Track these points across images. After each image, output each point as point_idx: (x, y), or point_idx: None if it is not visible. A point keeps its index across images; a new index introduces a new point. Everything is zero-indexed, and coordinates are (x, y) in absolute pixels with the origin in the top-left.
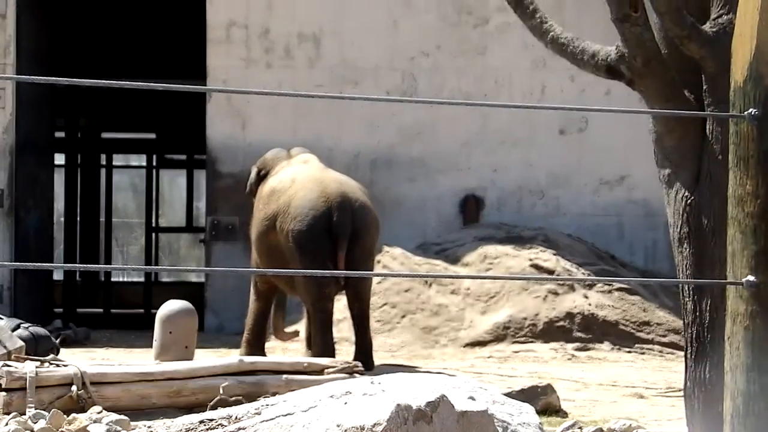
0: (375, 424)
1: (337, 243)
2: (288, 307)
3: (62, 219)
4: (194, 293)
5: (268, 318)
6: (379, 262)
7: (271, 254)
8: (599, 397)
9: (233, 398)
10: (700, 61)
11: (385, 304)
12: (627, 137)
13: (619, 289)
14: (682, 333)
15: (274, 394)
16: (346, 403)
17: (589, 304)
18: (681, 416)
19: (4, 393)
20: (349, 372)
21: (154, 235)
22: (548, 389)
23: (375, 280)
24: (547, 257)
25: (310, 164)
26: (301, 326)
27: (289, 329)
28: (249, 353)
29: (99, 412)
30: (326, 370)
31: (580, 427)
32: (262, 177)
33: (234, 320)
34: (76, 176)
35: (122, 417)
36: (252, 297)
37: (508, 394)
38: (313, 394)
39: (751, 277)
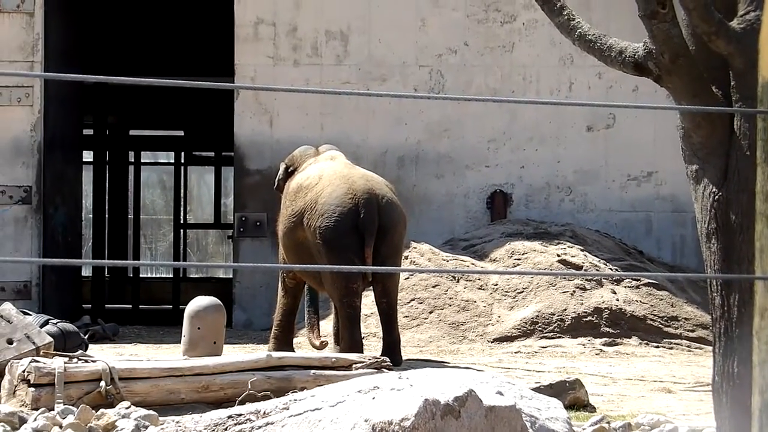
0: (403, 419)
1: (364, 239)
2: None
3: (90, 216)
4: (222, 289)
5: (296, 314)
6: (406, 257)
7: (298, 250)
8: (627, 392)
9: (261, 393)
10: (727, 57)
11: (412, 300)
12: (654, 133)
13: (647, 285)
14: (710, 328)
15: (302, 389)
16: (374, 398)
17: (617, 300)
18: (709, 411)
19: (32, 388)
20: (377, 367)
21: (182, 231)
22: (576, 384)
23: (403, 275)
24: (574, 253)
25: (337, 161)
26: (330, 323)
27: (320, 340)
28: (277, 349)
29: (127, 408)
30: (354, 366)
31: (608, 422)
32: (290, 174)
33: (262, 316)
34: (105, 173)
35: (151, 412)
36: (280, 293)
37: (536, 389)
38: (341, 389)
39: None
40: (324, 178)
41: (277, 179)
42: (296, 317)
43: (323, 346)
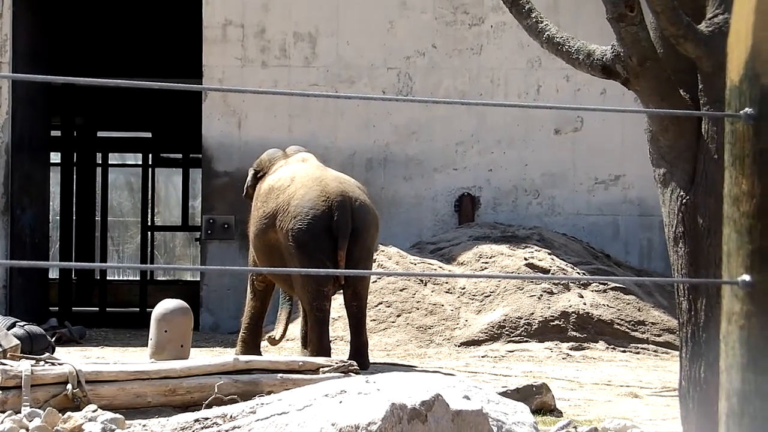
0: (370, 423)
1: (338, 242)
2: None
3: (58, 217)
4: (190, 292)
5: (263, 317)
6: (374, 261)
7: (269, 252)
8: (594, 397)
9: (228, 397)
10: (695, 60)
11: (380, 303)
12: (622, 137)
13: (614, 289)
14: (677, 332)
15: (269, 393)
16: (341, 402)
17: (584, 304)
18: (676, 416)
19: None
20: (345, 371)
21: (149, 233)
22: (543, 388)
23: (371, 279)
24: (542, 256)
25: (308, 163)
26: (298, 326)
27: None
28: (244, 352)
29: (94, 411)
30: (321, 369)
31: (575, 427)
32: (258, 178)
33: (229, 319)
34: (72, 175)
35: (117, 416)
36: (248, 296)
37: (503, 394)
38: (309, 393)
39: (746, 277)
40: (296, 180)
41: (246, 186)
42: (264, 321)
43: (272, 342)
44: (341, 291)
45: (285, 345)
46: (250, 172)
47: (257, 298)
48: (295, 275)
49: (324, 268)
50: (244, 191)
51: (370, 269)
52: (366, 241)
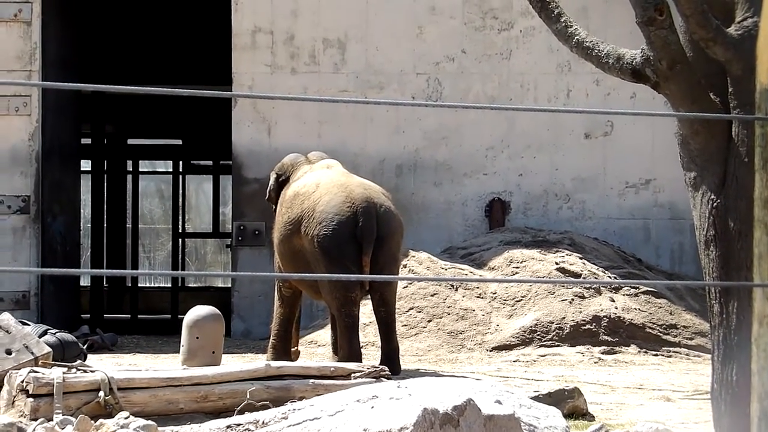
0: (402, 428)
1: (363, 248)
2: (314, 312)
3: (89, 225)
4: (221, 298)
5: (293, 322)
6: (405, 266)
7: (294, 258)
8: (626, 401)
9: (260, 403)
10: (725, 63)
11: (411, 309)
12: (652, 140)
13: (646, 293)
14: (709, 336)
15: (301, 399)
16: (372, 407)
17: (616, 308)
18: (708, 419)
19: (31, 399)
20: (376, 376)
21: (180, 240)
22: (575, 393)
23: (401, 284)
24: (573, 261)
25: (333, 169)
26: (327, 332)
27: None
28: (275, 358)
29: (126, 418)
30: (353, 375)
31: (608, 431)
32: (281, 182)
33: (260, 325)
34: (103, 182)
35: (149, 422)
36: (276, 302)
37: (535, 398)
38: (340, 398)
39: None
40: (321, 186)
41: (268, 190)
42: (294, 326)
43: (295, 356)
44: (370, 297)
45: (317, 351)
46: (272, 176)
47: (285, 305)
48: (322, 281)
49: (350, 273)
50: (267, 194)
51: (397, 275)
52: (391, 247)
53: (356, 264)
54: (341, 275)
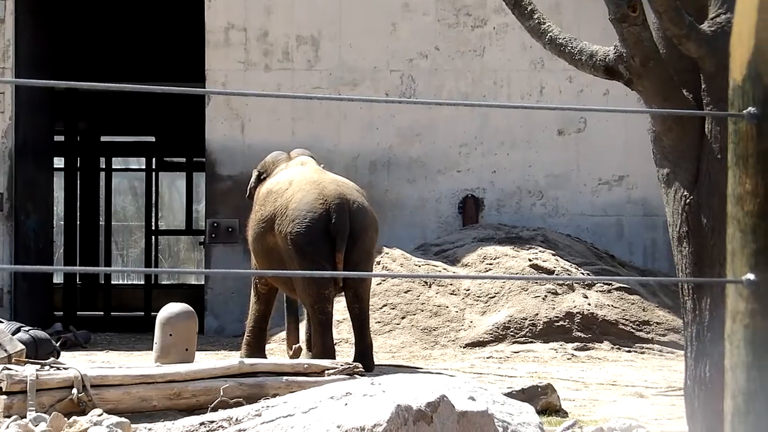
0: (375, 424)
1: (336, 244)
2: (283, 311)
3: (62, 222)
4: (194, 296)
5: (268, 320)
6: (378, 263)
7: (268, 256)
8: (599, 397)
9: (234, 400)
10: (698, 60)
11: (385, 305)
12: (625, 137)
13: (619, 289)
14: (682, 332)
15: (274, 396)
16: (346, 404)
17: (589, 304)
18: (681, 415)
19: (4, 396)
20: (350, 373)
21: (153, 237)
22: (548, 389)
23: (375, 281)
24: (546, 257)
25: (307, 166)
26: (302, 329)
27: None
28: (249, 355)
29: (99, 415)
30: (326, 372)
31: (581, 427)
32: (261, 180)
33: (234, 322)
34: (76, 180)
35: (123, 419)
36: (252, 299)
37: (509, 395)
38: (314, 395)
39: (750, 276)
40: (294, 183)
41: (249, 186)
42: (269, 323)
43: (296, 353)
44: (343, 293)
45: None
46: (254, 174)
47: (261, 301)
48: (296, 278)
49: (323, 270)
50: (248, 191)
51: (371, 271)
52: (365, 244)
53: (330, 261)
54: (315, 272)
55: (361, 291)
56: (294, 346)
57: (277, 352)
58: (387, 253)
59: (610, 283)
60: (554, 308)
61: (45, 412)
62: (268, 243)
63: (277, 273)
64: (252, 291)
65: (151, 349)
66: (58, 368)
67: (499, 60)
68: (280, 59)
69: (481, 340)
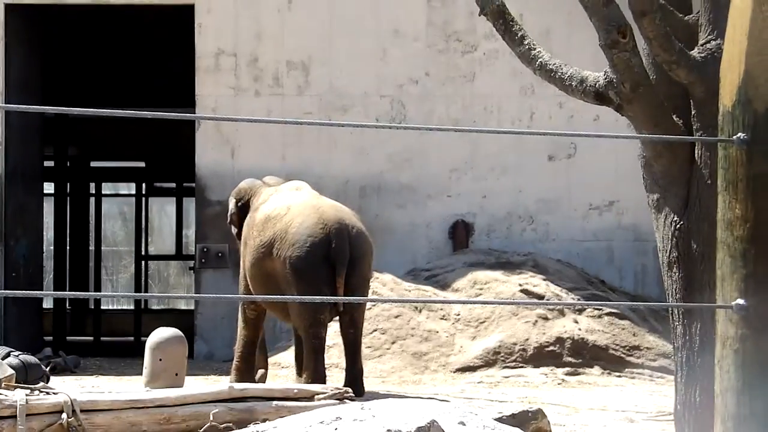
0: None
1: (336, 269)
2: (277, 334)
3: (51, 247)
4: (184, 321)
5: (257, 344)
6: (369, 288)
7: (265, 281)
8: (590, 422)
9: (223, 425)
10: (688, 86)
11: (375, 330)
12: (616, 163)
13: (609, 314)
14: (672, 357)
15: (264, 421)
16: (336, 429)
17: (579, 329)
18: None
19: None
20: (340, 398)
21: (143, 263)
22: (539, 414)
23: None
24: (536, 282)
25: (303, 191)
26: (291, 353)
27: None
28: (239, 380)
29: None
30: (317, 397)
31: None
32: (242, 207)
33: (224, 347)
34: (66, 205)
35: None
36: (240, 324)
37: (499, 419)
38: (304, 420)
39: (740, 301)
40: (293, 208)
41: (229, 214)
42: (257, 348)
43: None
44: (337, 318)
45: (280, 372)
46: (231, 200)
47: (249, 327)
48: (292, 303)
49: (322, 295)
50: (228, 218)
51: (367, 296)
52: (363, 269)
53: (329, 286)
54: (305, 297)
55: (357, 316)
56: (261, 371)
57: (266, 377)
58: (377, 278)
59: (601, 309)
60: (545, 333)
61: None
62: (266, 268)
63: (267, 298)
64: (240, 316)
65: (141, 374)
66: (48, 393)
67: (490, 86)
68: (270, 84)
69: (471, 365)
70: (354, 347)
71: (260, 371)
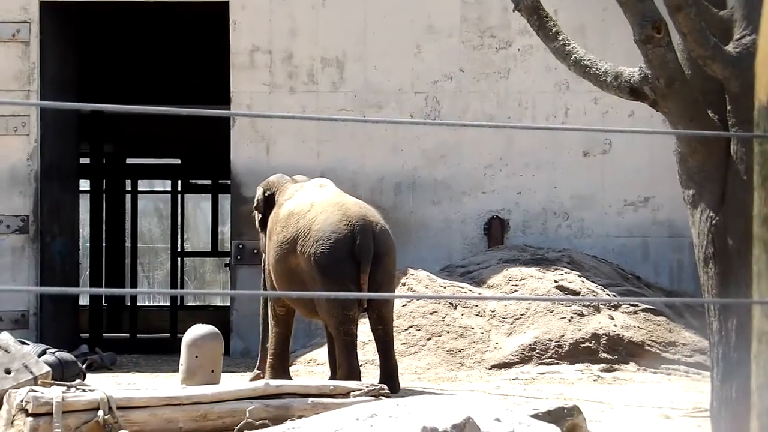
0: None
1: (360, 266)
2: (313, 330)
3: (88, 245)
4: (220, 317)
5: (289, 341)
6: (404, 284)
7: (289, 278)
8: (625, 418)
9: (259, 422)
10: (723, 81)
11: (410, 327)
12: (651, 158)
13: (645, 310)
14: (708, 353)
15: (300, 418)
16: (372, 425)
17: (615, 325)
18: None
19: (31, 418)
20: (375, 395)
21: (179, 259)
22: (574, 411)
23: (400, 302)
24: (572, 279)
25: (327, 188)
26: (324, 351)
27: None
28: (274, 377)
29: None
30: (352, 393)
31: None
32: (268, 197)
33: (259, 344)
34: (102, 202)
35: None
36: (271, 322)
37: (535, 416)
38: (339, 417)
39: None
40: (317, 205)
41: (256, 199)
42: (291, 344)
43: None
44: (367, 315)
45: (316, 369)
46: (259, 190)
47: (281, 324)
48: (320, 300)
49: (347, 291)
50: (255, 203)
51: (394, 292)
52: (388, 265)
53: (354, 282)
54: (340, 293)
55: (384, 312)
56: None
57: (302, 373)
58: (412, 275)
59: (636, 305)
60: (580, 329)
61: None
62: (290, 265)
63: (301, 294)
64: (270, 314)
65: (177, 371)
66: (84, 390)
67: (524, 82)
68: (305, 81)
69: (506, 361)
70: (385, 343)
71: (257, 374)
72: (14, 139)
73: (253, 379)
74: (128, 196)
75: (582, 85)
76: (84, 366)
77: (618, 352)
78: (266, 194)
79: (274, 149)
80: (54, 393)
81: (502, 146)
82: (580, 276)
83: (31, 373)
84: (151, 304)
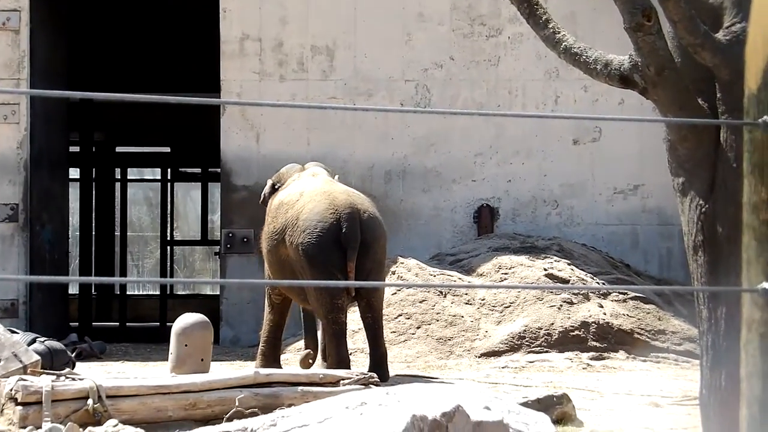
0: None
1: (347, 254)
2: (299, 320)
3: (77, 233)
4: (209, 306)
5: (282, 330)
6: (393, 272)
7: (281, 267)
8: (615, 406)
9: (249, 410)
10: (713, 69)
11: (400, 315)
12: (640, 146)
13: (634, 298)
14: (698, 341)
15: (289, 406)
16: (361, 414)
17: (604, 314)
18: (697, 424)
19: (20, 407)
20: (365, 383)
21: (169, 248)
22: (564, 399)
23: (390, 291)
24: (561, 267)
25: (318, 177)
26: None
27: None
28: (264, 365)
29: (115, 426)
30: (342, 382)
31: None
32: (275, 189)
33: (249, 333)
34: (91, 190)
35: (138, 430)
36: (266, 309)
37: (524, 404)
38: (329, 405)
39: (766, 284)
40: (305, 194)
41: (263, 192)
42: (283, 333)
43: (305, 361)
44: (356, 303)
45: None
46: (269, 183)
47: (275, 312)
48: (309, 289)
49: (335, 280)
50: (261, 197)
51: (383, 281)
52: (376, 253)
53: (341, 270)
54: (329, 281)
55: (373, 300)
56: (303, 352)
57: (291, 362)
58: (402, 263)
59: (626, 293)
60: (569, 318)
61: (60, 423)
62: (280, 254)
63: (291, 283)
64: (266, 301)
65: (167, 360)
66: (74, 379)
67: (514, 69)
68: (295, 69)
69: (496, 349)
70: (374, 331)
71: (308, 351)
72: (4, 128)
73: (303, 359)
74: (118, 185)
75: (572, 73)
76: (73, 355)
77: (607, 340)
78: (275, 187)
79: (264, 137)
80: (43, 382)
81: (492, 134)
82: (569, 264)
83: (21, 361)
84: (141, 292)
